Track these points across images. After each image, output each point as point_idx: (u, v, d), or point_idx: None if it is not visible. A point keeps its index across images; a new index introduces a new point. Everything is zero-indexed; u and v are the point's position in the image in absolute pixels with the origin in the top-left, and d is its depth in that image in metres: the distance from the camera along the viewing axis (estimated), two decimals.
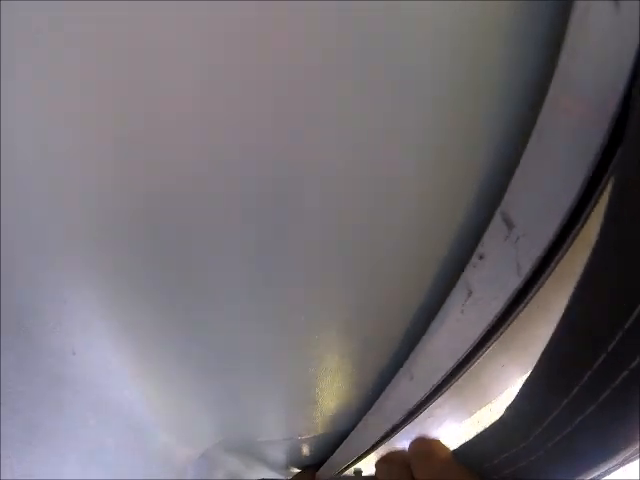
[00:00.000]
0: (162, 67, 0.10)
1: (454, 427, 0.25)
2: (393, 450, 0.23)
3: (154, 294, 0.16)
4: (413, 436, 0.22)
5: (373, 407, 0.23)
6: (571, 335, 0.13)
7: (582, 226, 0.13)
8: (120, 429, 0.21)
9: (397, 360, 0.21)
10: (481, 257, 0.14)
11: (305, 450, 0.33)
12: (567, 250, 0.14)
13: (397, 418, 0.22)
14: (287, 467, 0.36)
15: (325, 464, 0.32)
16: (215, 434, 0.28)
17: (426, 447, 0.20)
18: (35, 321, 0.14)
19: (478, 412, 0.24)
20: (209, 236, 0.14)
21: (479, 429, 0.18)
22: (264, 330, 0.20)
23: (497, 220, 0.14)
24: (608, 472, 0.16)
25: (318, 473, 0.34)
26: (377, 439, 0.25)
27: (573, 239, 0.13)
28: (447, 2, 0.10)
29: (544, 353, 0.14)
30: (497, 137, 0.14)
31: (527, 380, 0.15)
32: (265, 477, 0.39)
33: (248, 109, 0.11)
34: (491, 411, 0.26)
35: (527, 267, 0.13)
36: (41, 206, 0.12)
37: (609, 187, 0.12)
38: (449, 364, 0.17)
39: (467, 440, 0.19)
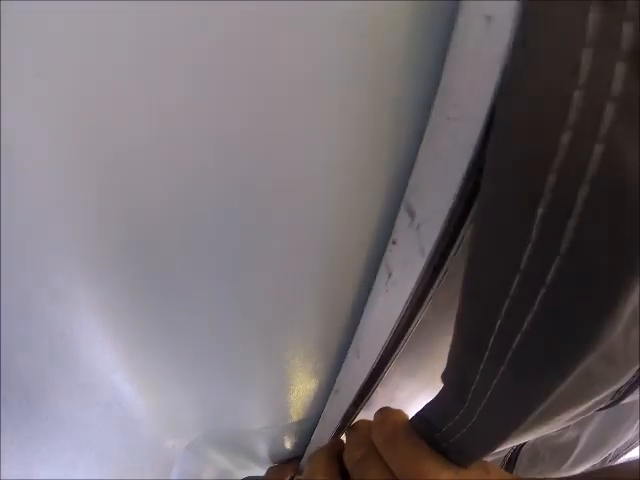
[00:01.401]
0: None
1: (408, 398, 0.28)
2: (362, 419, 0.26)
3: (139, 279, 0.18)
4: (374, 409, 0.25)
5: (334, 387, 0.26)
6: (471, 300, 0.14)
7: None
8: (107, 415, 0.23)
9: (345, 344, 0.24)
10: (394, 242, 0.17)
11: (287, 440, 0.35)
12: (463, 234, 0.16)
13: (353, 395, 0.24)
14: (273, 462, 0.38)
15: (305, 452, 0.34)
16: (200, 424, 0.30)
17: (384, 413, 0.23)
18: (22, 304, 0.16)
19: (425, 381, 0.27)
20: (191, 222, 0.16)
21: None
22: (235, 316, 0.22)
23: (402, 210, 0.17)
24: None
25: (301, 462, 0.36)
26: (341, 419, 0.27)
27: (467, 225, 0.16)
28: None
29: (457, 318, 0.15)
30: (400, 140, 0.16)
31: (450, 348, 0.16)
32: (252, 475, 0.41)
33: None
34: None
35: (428, 249, 0.16)
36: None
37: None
38: (385, 337, 0.19)
39: (419, 410, 0.21)
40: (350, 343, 0.23)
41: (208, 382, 0.26)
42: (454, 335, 0.15)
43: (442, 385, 0.18)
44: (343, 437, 0.29)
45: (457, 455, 0.19)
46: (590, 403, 0.25)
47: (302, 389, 0.27)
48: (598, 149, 0.09)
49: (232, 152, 0.14)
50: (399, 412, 0.23)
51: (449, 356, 0.17)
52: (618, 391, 0.27)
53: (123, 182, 0.14)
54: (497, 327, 0.13)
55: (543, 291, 0.12)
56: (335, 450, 0.27)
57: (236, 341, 0.23)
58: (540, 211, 0.11)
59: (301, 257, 0.18)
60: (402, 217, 0.17)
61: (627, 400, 0.29)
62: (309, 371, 0.26)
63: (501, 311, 0.13)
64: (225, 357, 0.25)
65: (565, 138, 0.09)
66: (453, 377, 0.17)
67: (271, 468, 0.37)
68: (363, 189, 0.17)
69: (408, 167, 0.16)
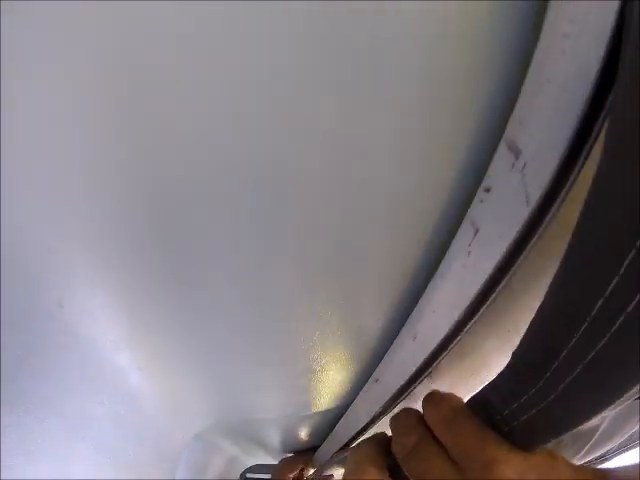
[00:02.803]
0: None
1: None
2: (406, 407, 0.22)
3: (146, 251, 0.15)
4: (416, 400, 0.22)
5: (374, 374, 0.22)
6: (573, 276, 0.12)
7: (588, 153, 0.12)
8: (110, 398, 0.20)
9: (397, 324, 0.20)
10: (487, 190, 0.14)
11: (301, 431, 0.31)
12: (574, 180, 0.13)
13: (398, 385, 0.21)
14: (283, 451, 0.35)
15: (325, 442, 0.31)
16: (209, 413, 0.27)
17: (438, 395, 0.20)
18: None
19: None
20: (206, 203, 0.14)
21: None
22: (255, 297, 0.19)
23: (502, 148, 0.13)
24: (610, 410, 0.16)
25: (315, 455, 0.33)
26: (377, 410, 0.24)
27: (580, 168, 0.13)
28: None
29: (548, 295, 0.13)
30: (497, 63, 0.13)
31: (532, 323, 0.14)
32: (260, 462, 0.38)
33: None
34: None
35: (537, 195, 0.12)
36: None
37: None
38: (454, 317, 0.16)
39: (476, 392, 0.18)
40: (404, 323, 0.19)
41: (225, 364, 0.23)
42: (544, 303, 0.13)
43: (490, 371, 0.16)
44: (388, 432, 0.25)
45: (522, 439, 0.17)
46: None
47: (334, 375, 0.24)
48: None
49: None
50: (452, 395, 0.20)
51: (529, 329, 0.15)
52: None
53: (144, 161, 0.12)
54: (612, 286, 0.11)
55: None
56: (381, 441, 0.23)
57: (261, 315, 0.20)
58: None
59: (359, 209, 0.15)
60: (502, 157, 0.13)
61: None
62: (346, 355, 0.23)
63: (621, 266, 0.10)
64: (247, 335, 0.21)
65: None
66: (531, 352, 0.15)
67: (284, 459, 0.34)
68: (450, 125, 0.13)
69: (510, 97, 0.13)
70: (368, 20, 0.11)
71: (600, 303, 0.11)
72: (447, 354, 0.19)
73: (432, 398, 0.20)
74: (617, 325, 0.11)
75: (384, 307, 0.20)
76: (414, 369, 0.19)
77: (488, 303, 0.16)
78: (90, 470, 0.21)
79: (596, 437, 0.44)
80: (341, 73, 0.11)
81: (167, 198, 0.14)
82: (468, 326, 0.17)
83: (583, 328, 0.12)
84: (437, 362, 0.20)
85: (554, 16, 0.12)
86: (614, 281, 0.11)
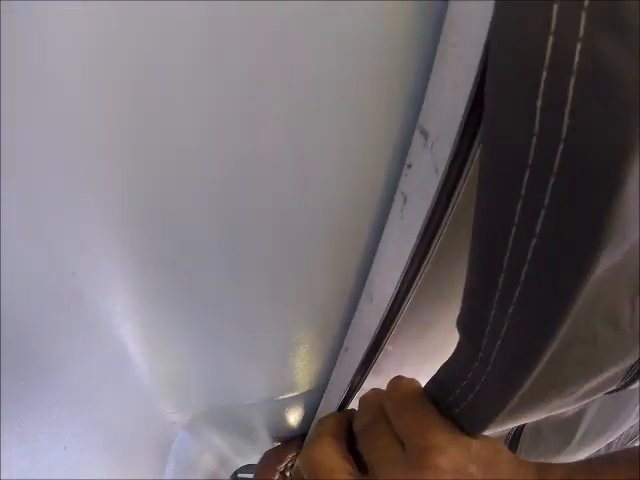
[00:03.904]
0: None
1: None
2: (374, 388, 0.25)
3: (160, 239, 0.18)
4: (387, 377, 0.24)
5: (344, 343, 0.25)
6: (482, 229, 0.14)
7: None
8: (111, 372, 0.22)
9: (360, 293, 0.24)
10: (409, 166, 0.18)
11: (290, 417, 0.33)
12: (474, 151, 0.17)
13: (363, 350, 0.24)
14: (274, 441, 0.37)
15: (312, 424, 0.33)
16: (204, 399, 0.29)
17: (398, 380, 0.22)
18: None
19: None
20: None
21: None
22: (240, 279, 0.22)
23: (416, 133, 0.17)
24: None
25: (306, 440, 0.35)
26: (349, 382, 0.26)
27: (478, 144, 0.17)
28: None
29: (469, 259, 0.15)
30: (411, 71, 0.17)
31: (465, 285, 0.16)
32: (252, 463, 0.39)
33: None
34: None
35: (442, 166, 0.16)
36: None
37: None
38: (400, 272, 0.19)
39: (433, 376, 0.20)
40: (363, 288, 0.22)
41: (217, 345, 0.25)
42: (468, 268, 0.15)
43: (452, 349, 0.18)
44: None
45: (468, 420, 0.18)
46: (599, 379, 0.24)
47: (310, 350, 0.27)
48: (578, 47, 0.10)
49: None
50: (412, 380, 0.23)
51: (463, 297, 0.16)
52: (629, 370, 0.27)
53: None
54: (511, 238, 0.13)
55: (552, 181, 0.12)
56: (346, 417, 0.26)
57: (244, 295, 0.23)
58: (539, 103, 0.11)
59: (311, 191, 0.19)
60: (416, 139, 0.17)
61: (635, 385, 0.29)
62: (319, 329, 0.26)
63: (514, 217, 0.13)
64: (233, 314, 0.24)
65: (550, 40, 0.11)
66: (467, 320, 0.17)
67: (272, 449, 0.35)
68: (377, 119, 0.18)
69: (420, 95, 0.17)
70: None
71: (507, 254, 0.13)
72: (403, 313, 0.22)
73: (392, 382, 0.22)
74: (523, 276, 0.13)
75: (347, 279, 0.23)
76: (375, 331, 0.22)
77: (426, 262, 0.20)
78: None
79: (580, 434, 0.46)
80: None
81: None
82: (414, 285, 0.21)
83: (501, 279, 0.14)
84: (395, 323, 0.23)
85: (446, 28, 0.15)
86: (512, 232, 0.13)
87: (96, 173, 0.16)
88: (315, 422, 0.32)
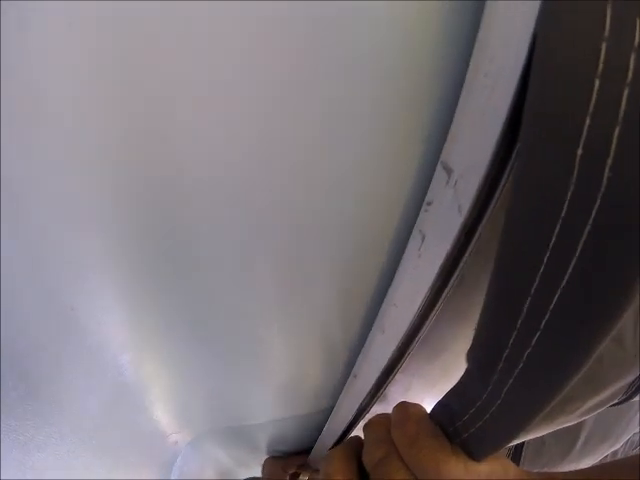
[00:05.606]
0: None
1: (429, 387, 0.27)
2: (379, 414, 0.24)
3: (152, 258, 0.18)
4: (392, 401, 0.24)
5: (353, 370, 0.25)
6: (505, 272, 0.14)
7: (510, 171, 0.15)
8: (111, 398, 0.21)
9: (370, 322, 0.23)
10: (429, 203, 0.17)
11: (295, 434, 0.33)
12: (501, 192, 0.16)
13: (374, 379, 0.23)
14: (276, 454, 0.36)
15: (315, 445, 0.33)
16: (207, 418, 0.29)
17: (403, 409, 0.22)
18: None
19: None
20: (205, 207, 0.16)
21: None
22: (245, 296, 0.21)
23: (439, 169, 0.16)
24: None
25: (310, 457, 0.34)
26: (357, 409, 0.26)
27: (505, 182, 0.16)
28: None
29: (488, 292, 0.14)
30: (436, 99, 0.16)
31: (479, 320, 0.15)
32: (256, 476, 0.39)
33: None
34: None
35: (466, 206, 0.15)
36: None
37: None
38: (415, 308, 0.19)
39: (440, 400, 0.20)
40: (374, 320, 0.22)
41: (223, 368, 0.25)
42: (484, 305, 0.15)
43: (461, 373, 0.18)
44: (361, 434, 0.27)
45: (478, 446, 0.18)
46: (605, 394, 0.24)
47: (318, 375, 0.26)
48: (625, 92, 0.09)
49: None
50: (418, 407, 0.22)
51: (476, 331, 0.16)
52: (630, 385, 0.27)
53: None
54: (536, 283, 0.13)
55: (585, 236, 0.11)
56: (353, 447, 0.25)
57: (252, 317, 0.22)
58: (580, 152, 0.11)
59: (328, 223, 0.18)
60: (438, 176, 0.16)
61: (636, 399, 0.29)
62: (327, 354, 0.25)
63: (541, 264, 0.12)
64: (239, 335, 0.23)
65: (597, 84, 0.10)
66: (479, 354, 0.16)
67: (272, 459, 0.35)
68: (398, 151, 0.17)
69: (445, 127, 0.16)
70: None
71: (530, 297, 0.13)
72: (415, 346, 0.22)
73: (399, 409, 0.21)
74: (546, 319, 0.12)
75: (358, 308, 0.22)
76: (386, 361, 0.22)
77: (442, 299, 0.19)
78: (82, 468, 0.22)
79: (582, 441, 0.46)
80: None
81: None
82: (429, 319, 0.20)
83: (520, 322, 0.13)
84: (407, 354, 0.22)
85: (477, 57, 0.14)
86: (535, 284, 0.12)
87: (95, 205, 0.16)
88: (320, 441, 0.31)
